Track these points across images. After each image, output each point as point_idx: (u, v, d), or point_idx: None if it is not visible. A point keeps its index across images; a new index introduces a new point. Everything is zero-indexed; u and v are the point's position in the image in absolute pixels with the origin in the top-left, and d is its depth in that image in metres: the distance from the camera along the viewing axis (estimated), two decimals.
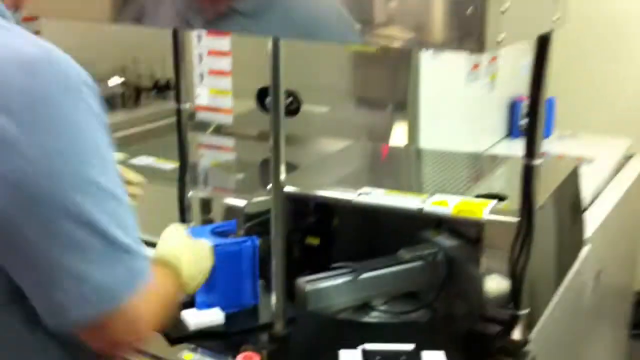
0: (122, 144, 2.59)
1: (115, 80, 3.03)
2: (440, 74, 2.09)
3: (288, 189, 1.64)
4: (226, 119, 2.26)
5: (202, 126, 2.35)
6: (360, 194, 1.54)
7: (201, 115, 2.30)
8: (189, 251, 1.28)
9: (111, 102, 2.99)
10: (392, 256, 1.69)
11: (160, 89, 2.99)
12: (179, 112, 1.64)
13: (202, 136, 2.33)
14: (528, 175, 1.28)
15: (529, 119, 1.27)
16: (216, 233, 1.50)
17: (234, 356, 1.33)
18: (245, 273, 1.48)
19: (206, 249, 1.38)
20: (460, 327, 1.51)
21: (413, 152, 2.03)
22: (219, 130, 2.33)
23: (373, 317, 1.64)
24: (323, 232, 1.78)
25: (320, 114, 2.24)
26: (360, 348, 1.34)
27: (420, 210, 1.47)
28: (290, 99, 2.15)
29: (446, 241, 1.69)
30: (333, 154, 1.95)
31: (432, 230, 1.73)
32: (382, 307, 1.66)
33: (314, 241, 1.79)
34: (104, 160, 0.91)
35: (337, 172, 1.74)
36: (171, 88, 2.76)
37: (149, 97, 3.08)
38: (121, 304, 0.91)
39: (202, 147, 2.32)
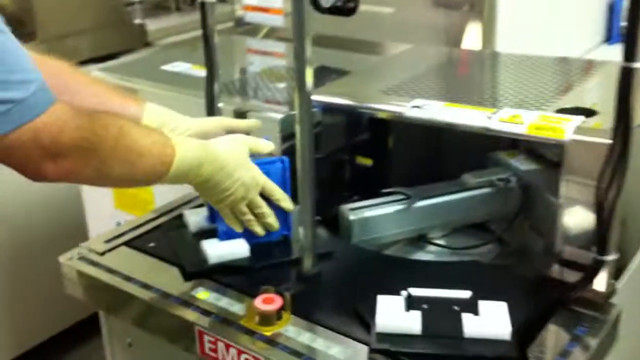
0: (170, 49, 2.40)
1: None
2: None
3: (325, 98, 1.40)
4: (276, 20, 2.00)
5: (253, 31, 2.10)
6: (413, 107, 1.27)
7: (250, 16, 2.05)
8: (226, 158, 1.17)
9: (165, 5, 2.79)
10: (455, 181, 1.45)
11: None
12: (203, 6, 1.39)
13: (252, 41, 2.09)
14: (626, 82, 1.00)
15: (630, 16, 0.98)
16: None
17: (255, 296, 1.12)
18: None
19: (250, 170, 1.21)
20: (532, 269, 1.24)
21: (488, 56, 1.73)
22: (271, 34, 2.08)
23: (428, 252, 1.40)
24: (377, 151, 1.54)
25: (384, 15, 1.95)
26: (405, 292, 1.10)
27: (485, 129, 1.19)
28: None
29: (523, 165, 1.43)
30: (390, 59, 1.68)
31: (506, 152, 1.47)
32: (441, 241, 1.42)
33: (366, 161, 1.55)
34: None
35: (393, 80, 1.47)
36: None
37: None
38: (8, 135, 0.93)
39: (251, 52, 2.07)
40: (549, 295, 1.13)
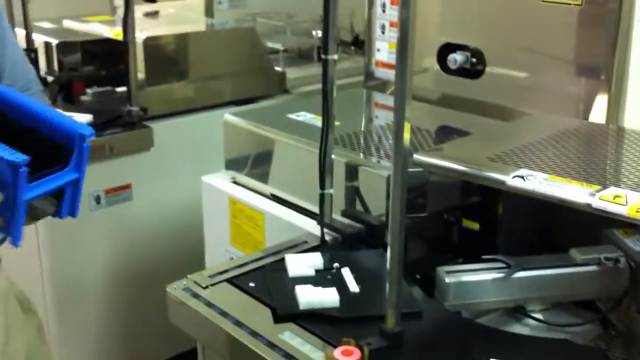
0: (303, 98, 2.49)
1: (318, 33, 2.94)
2: None
3: (429, 159, 1.41)
4: None
5: (383, 86, 2.15)
6: (515, 177, 1.26)
7: (380, 72, 2.11)
8: None
9: (308, 55, 2.91)
10: (561, 255, 1.40)
11: (360, 43, 2.83)
12: (325, 63, 1.45)
13: (381, 95, 2.14)
14: None
15: None
16: None
17: (336, 346, 1.15)
18: None
19: None
20: (627, 355, 1.19)
21: (612, 131, 1.67)
22: None
23: (525, 325, 1.37)
24: (485, 216, 1.53)
25: (509, 78, 1.94)
26: None
27: (584, 206, 1.16)
28: (474, 59, 1.88)
29: (637, 245, 1.37)
30: (510, 125, 1.67)
31: (623, 230, 1.41)
32: (539, 315, 1.38)
33: (473, 225, 1.54)
34: None
35: (506, 147, 1.46)
36: None
37: (349, 52, 2.95)
38: None
39: (378, 107, 2.12)
40: None
